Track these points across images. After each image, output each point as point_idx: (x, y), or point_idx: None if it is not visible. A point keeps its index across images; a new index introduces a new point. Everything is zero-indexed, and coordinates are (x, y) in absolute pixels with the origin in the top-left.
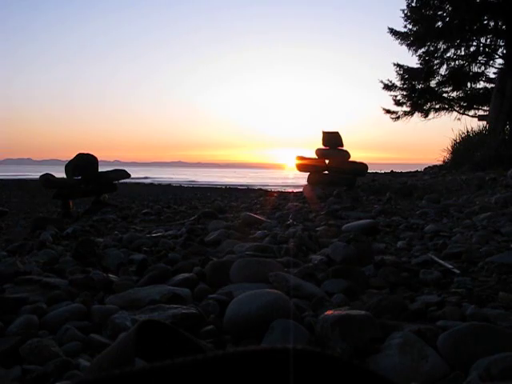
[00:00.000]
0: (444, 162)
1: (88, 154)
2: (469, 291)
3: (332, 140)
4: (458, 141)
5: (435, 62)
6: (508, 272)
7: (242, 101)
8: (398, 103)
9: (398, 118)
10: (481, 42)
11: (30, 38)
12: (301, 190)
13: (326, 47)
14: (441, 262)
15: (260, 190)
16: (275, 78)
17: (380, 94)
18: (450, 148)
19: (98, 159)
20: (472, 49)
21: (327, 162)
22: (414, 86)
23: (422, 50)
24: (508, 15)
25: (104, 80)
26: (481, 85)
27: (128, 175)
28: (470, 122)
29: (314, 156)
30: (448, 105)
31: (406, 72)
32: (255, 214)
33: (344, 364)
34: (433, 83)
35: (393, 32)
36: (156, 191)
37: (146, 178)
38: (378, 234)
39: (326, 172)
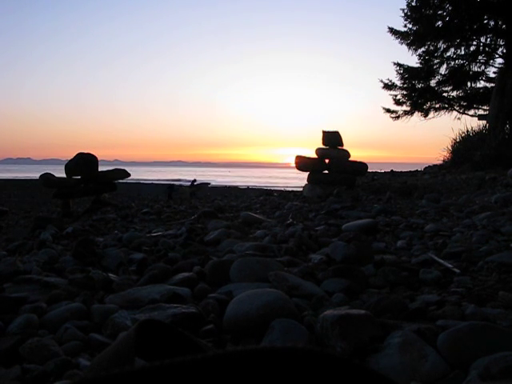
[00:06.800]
0: (444, 161)
1: (88, 154)
2: (469, 290)
3: (332, 139)
4: (457, 140)
5: (435, 61)
6: (508, 271)
7: (241, 101)
8: (397, 102)
9: (398, 117)
10: (481, 42)
11: (30, 38)
12: (301, 189)
13: (326, 47)
14: (441, 261)
15: (260, 189)
16: (275, 77)
17: (380, 94)
18: (449, 147)
19: (98, 159)
20: (472, 48)
21: (327, 161)
22: (414, 85)
23: (422, 49)
24: (508, 15)
25: (104, 80)
26: (481, 84)
27: (128, 175)
28: (469, 122)
29: (314, 155)
30: (448, 104)
31: (405, 71)
32: (255, 213)
33: (344, 363)
34: (433, 82)
35: (393, 31)
36: (156, 190)
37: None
38: (378, 234)
39: (326, 171)
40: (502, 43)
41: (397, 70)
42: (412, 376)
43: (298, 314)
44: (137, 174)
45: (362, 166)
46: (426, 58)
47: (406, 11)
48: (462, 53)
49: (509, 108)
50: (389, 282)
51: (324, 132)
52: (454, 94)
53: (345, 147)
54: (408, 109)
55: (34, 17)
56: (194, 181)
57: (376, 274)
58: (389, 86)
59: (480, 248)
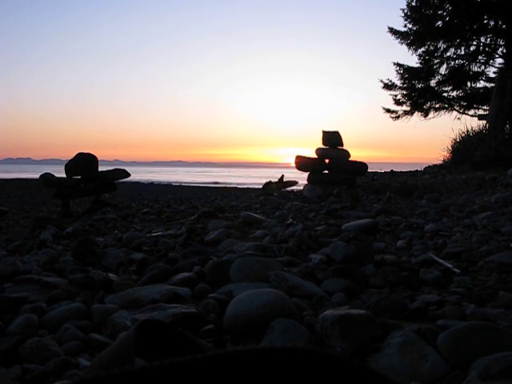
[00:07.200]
0: (444, 161)
1: (88, 154)
2: (469, 290)
3: (332, 139)
4: (457, 140)
5: (435, 61)
6: (508, 271)
7: (241, 101)
8: (398, 102)
9: (398, 117)
10: (481, 42)
11: (31, 38)
12: (301, 189)
13: (326, 47)
14: (441, 261)
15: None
16: (276, 78)
17: (380, 94)
18: (449, 147)
19: (98, 159)
20: (472, 48)
21: (327, 161)
22: (414, 85)
23: (422, 49)
24: (508, 15)
25: (104, 80)
26: (481, 84)
27: (128, 175)
28: (469, 122)
29: (314, 155)
30: (448, 104)
31: (405, 71)
32: (255, 213)
33: (345, 363)
34: (433, 82)
35: (393, 31)
36: (156, 190)
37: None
38: (378, 234)
39: (326, 171)
40: (502, 43)
41: (397, 70)
42: (412, 376)
43: (298, 314)
44: (137, 174)
45: (362, 166)
46: (426, 58)
47: (405, 11)
48: (462, 53)
49: (509, 108)
50: (389, 282)
51: (324, 132)
52: (454, 93)
53: (345, 147)
54: (408, 109)
55: (35, 16)
56: (282, 177)
57: (376, 274)
58: (389, 86)
59: (480, 248)
